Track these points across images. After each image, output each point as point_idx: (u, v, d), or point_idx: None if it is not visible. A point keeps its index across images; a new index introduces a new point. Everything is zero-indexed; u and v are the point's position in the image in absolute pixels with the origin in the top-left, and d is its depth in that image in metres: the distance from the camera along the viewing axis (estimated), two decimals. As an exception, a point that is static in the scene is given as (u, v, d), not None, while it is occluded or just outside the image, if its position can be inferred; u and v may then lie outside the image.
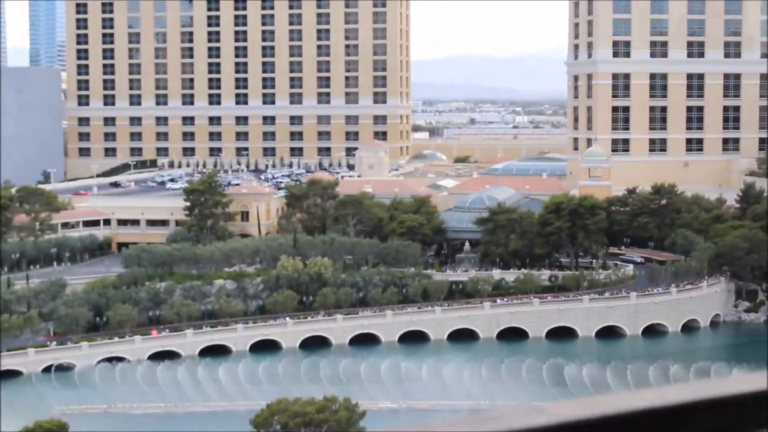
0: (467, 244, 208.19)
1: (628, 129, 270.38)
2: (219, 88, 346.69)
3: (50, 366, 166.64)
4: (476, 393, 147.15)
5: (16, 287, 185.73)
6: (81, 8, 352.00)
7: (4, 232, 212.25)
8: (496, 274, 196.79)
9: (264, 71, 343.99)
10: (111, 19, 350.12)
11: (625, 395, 3.25)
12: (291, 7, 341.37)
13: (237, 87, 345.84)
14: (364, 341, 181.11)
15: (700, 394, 3.30)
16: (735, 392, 3.39)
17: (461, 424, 3.08)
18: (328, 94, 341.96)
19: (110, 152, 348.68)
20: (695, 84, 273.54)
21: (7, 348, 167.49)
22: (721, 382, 3.41)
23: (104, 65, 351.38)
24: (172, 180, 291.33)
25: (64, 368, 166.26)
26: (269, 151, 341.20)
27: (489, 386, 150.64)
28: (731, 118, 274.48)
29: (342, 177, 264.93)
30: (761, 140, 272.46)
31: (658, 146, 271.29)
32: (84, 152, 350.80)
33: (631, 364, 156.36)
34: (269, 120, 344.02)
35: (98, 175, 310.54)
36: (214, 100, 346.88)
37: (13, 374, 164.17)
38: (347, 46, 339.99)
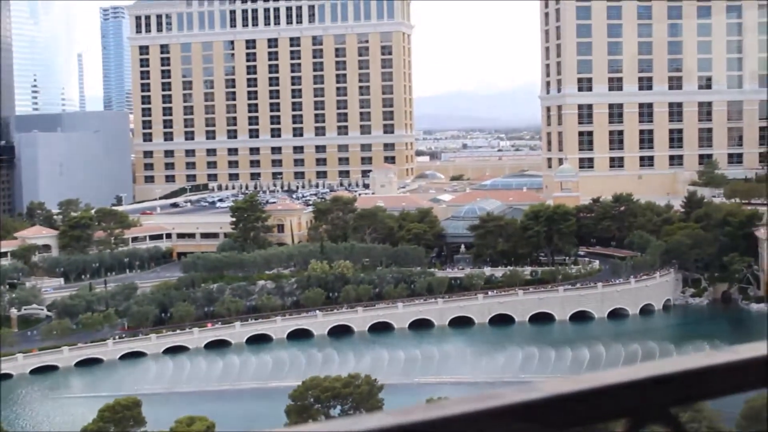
0: (463, 246, 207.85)
1: (592, 149, 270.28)
2: (257, 124, 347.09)
3: (126, 353, 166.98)
4: (474, 369, 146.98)
5: (96, 290, 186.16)
6: (144, 62, 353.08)
7: (86, 245, 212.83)
8: (487, 270, 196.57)
9: (293, 110, 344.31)
10: (168, 71, 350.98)
11: (602, 373, 3.28)
12: (314, 57, 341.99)
13: (272, 123, 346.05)
14: (380, 329, 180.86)
15: (670, 368, 3.42)
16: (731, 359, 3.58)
17: (468, 402, 3.05)
18: (346, 127, 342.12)
19: (170, 179, 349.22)
20: (645, 111, 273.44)
21: (90, 340, 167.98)
22: (717, 354, 3.55)
23: (164, 108, 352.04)
24: (220, 200, 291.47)
25: (136, 355, 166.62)
26: (299, 175, 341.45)
27: (483, 363, 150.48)
28: (675, 138, 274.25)
29: (359, 194, 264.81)
30: (700, 156, 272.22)
31: (616, 163, 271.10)
32: (149, 179, 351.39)
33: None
34: (299, 149, 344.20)
35: (161, 198, 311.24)
36: (254, 134, 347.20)
37: (96, 361, 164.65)
38: (361, 88, 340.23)
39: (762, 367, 3.56)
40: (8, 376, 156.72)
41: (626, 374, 3.28)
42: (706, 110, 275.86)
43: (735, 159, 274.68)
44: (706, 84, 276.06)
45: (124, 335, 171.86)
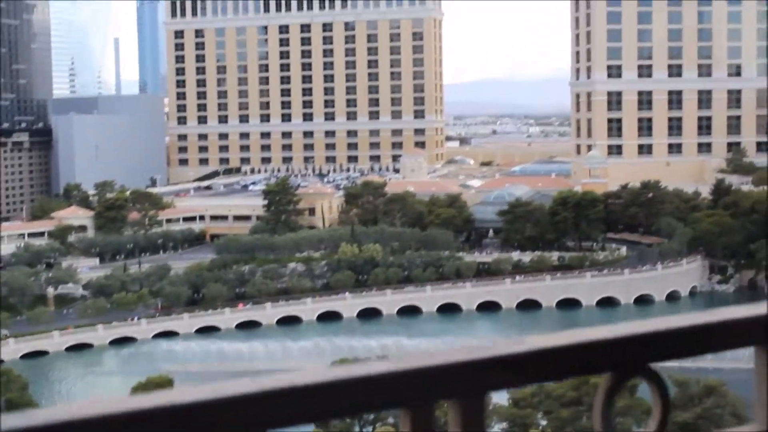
0: (491, 231, 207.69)
1: (620, 136, 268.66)
2: (289, 108, 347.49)
3: (159, 333, 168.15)
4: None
5: (131, 271, 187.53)
6: (179, 46, 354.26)
7: (121, 226, 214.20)
8: (515, 255, 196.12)
9: (325, 94, 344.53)
10: (203, 55, 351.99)
11: (588, 329, 3.45)
12: (347, 42, 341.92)
13: (304, 107, 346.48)
14: (409, 312, 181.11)
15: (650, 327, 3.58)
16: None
17: (459, 353, 3.17)
18: (377, 112, 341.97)
19: (203, 162, 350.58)
20: (675, 99, 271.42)
21: (124, 319, 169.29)
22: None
23: (198, 92, 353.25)
24: (253, 183, 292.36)
25: (169, 335, 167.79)
26: (330, 159, 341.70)
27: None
28: (704, 126, 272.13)
29: (389, 179, 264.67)
30: (729, 144, 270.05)
31: (645, 150, 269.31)
32: (183, 162, 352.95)
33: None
34: (330, 134, 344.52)
35: (194, 180, 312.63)
36: (286, 118, 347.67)
37: (130, 340, 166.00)
38: (392, 74, 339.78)
39: (740, 328, 3.76)
40: (44, 353, 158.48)
41: (610, 331, 3.44)
42: (735, 98, 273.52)
43: (764, 147, 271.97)
44: (736, 71, 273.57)
45: (157, 315, 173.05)
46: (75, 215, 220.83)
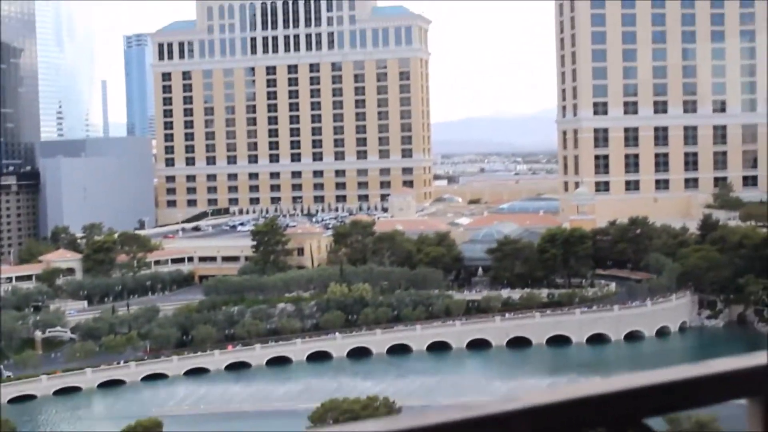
0: (480, 269, 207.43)
1: (607, 173, 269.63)
2: (277, 149, 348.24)
3: (148, 376, 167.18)
4: (490, 391, 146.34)
5: (119, 313, 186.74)
6: (166, 88, 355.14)
7: (109, 269, 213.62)
8: (505, 293, 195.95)
9: (313, 134, 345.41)
10: (190, 97, 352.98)
11: (579, 385, 3.47)
12: (334, 83, 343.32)
13: (292, 148, 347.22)
14: (399, 351, 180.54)
15: (643, 382, 3.56)
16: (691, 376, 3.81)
17: (449, 412, 3.21)
18: (365, 151, 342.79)
19: (192, 203, 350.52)
20: (661, 135, 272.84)
21: (113, 362, 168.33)
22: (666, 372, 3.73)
23: (185, 134, 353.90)
24: (241, 224, 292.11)
25: (158, 377, 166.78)
26: (319, 199, 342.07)
27: (499, 385, 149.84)
28: (691, 161, 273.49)
29: (378, 218, 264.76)
30: (715, 179, 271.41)
31: (632, 186, 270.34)
32: (171, 203, 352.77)
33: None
34: (318, 174, 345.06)
35: (183, 222, 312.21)
36: (274, 159, 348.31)
37: (119, 383, 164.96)
38: (379, 113, 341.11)
39: (733, 381, 3.81)
40: (32, 397, 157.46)
41: (601, 386, 3.38)
42: (720, 133, 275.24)
43: (750, 182, 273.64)
44: (721, 107, 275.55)
45: (146, 357, 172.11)
46: (63, 258, 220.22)
